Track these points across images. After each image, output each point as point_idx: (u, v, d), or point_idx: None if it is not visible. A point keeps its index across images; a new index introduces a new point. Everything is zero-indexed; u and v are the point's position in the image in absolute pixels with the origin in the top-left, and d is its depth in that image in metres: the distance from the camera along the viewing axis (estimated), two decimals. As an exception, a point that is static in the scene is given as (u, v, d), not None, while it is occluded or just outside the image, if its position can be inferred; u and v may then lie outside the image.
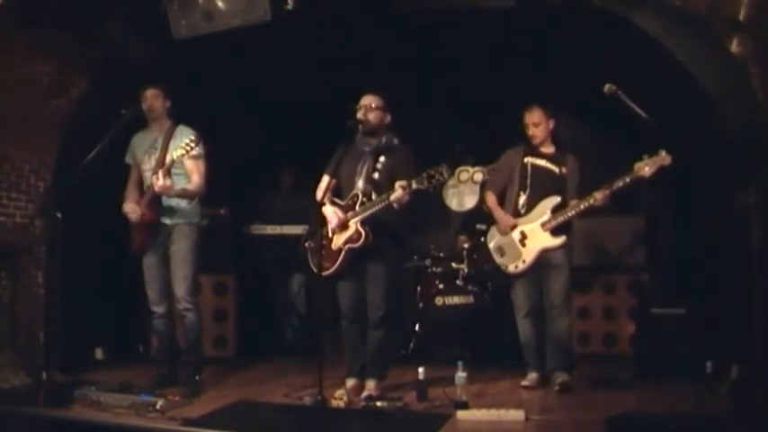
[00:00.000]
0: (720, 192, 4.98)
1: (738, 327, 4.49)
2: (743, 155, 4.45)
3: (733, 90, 4.37)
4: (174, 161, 4.37)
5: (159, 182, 4.33)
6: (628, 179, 4.34)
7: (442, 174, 4.04)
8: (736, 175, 4.61)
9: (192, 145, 4.31)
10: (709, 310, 4.83)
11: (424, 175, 4.07)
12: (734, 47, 4.07)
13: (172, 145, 4.49)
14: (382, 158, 4.41)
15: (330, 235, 4.40)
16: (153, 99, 4.60)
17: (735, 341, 4.52)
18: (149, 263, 4.61)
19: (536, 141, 4.69)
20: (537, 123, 4.65)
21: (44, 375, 4.25)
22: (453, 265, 5.86)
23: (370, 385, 4.41)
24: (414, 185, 4.11)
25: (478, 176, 7.12)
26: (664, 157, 4.26)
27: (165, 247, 4.57)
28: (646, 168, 4.28)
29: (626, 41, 4.74)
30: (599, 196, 4.40)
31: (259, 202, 6.60)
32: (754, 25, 3.91)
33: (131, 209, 4.56)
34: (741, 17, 3.91)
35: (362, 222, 4.29)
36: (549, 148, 4.72)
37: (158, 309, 4.64)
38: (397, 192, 4.14)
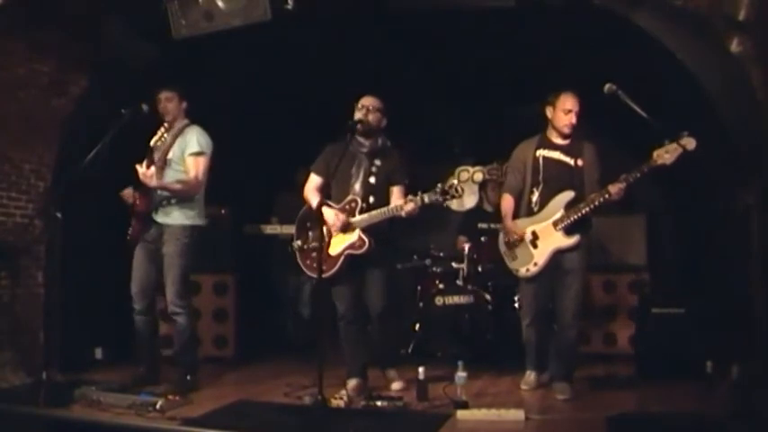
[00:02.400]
0: (721, 192, 4.97)
1: (738, 327, 4.49)
2: (743, 155, 4.44)
3: (733, 90, 4.36)
4: (170, 159, 4.35)
5: (141, 170, 4.32)
6: (645, 169, 4.01)
7: (456, 189, 4.10)
8: (736, 175, 4.61)
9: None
10: (709, 310, 4.82)
11: (438, 189, 4.12)
12: (734, 47, 4.06)
13: (177, 143, 4.51)
14: (377, 162, 4.43)
15: (327, 239, 4.35)
16: (166, 102, 4.60)
17: (735, 341, 4.52)
18: (137, 258, 4.61)
19: (567, 131, 4.30)
20: (575, 111, 4.27)
21: (44, 375, 4.23)
22: (453, 265, 5.86)
23: (393, 374, 4.59)
24: (426, 200, 4.15)
25: (478, 176, 7.14)
26: (687, 142, 3.86)
27: (157, 246, 4.57)
28: (666, 155, 3.93)
29: (626, 41, 4.74)
30: (613, 190, 4.08)
31: (276, 202, 6.54)
32: (754, 25, 3.91)
33: (126, 193, 4.58)
34: (741, 17, 3.91)
35: (363, 229, 4.30)
36: (564, 139, 4.37)
37: (137, 305, 4.62)
38: (409, 205, 4.18)
